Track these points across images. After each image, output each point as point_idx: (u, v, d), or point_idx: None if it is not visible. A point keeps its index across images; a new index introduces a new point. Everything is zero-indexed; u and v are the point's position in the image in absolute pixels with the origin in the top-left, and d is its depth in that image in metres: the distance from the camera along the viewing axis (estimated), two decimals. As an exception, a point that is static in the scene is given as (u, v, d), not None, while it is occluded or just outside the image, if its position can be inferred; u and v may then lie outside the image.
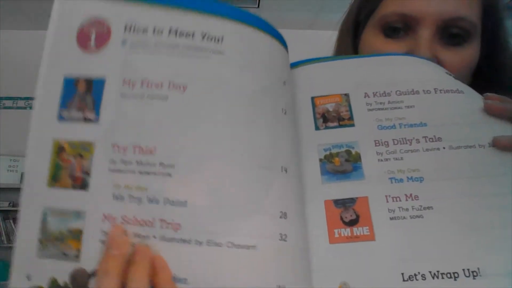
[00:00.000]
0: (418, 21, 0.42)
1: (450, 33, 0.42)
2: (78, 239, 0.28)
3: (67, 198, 0.28)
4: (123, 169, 0.28)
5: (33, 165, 0.30)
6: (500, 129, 0.33)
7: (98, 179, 0.28)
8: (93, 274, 0.27)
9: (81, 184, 0.28)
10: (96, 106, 0.29)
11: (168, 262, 0.27)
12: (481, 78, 0.45)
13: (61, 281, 0.27)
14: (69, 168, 0.29)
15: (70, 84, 0.30)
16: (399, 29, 0.44)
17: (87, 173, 0.29)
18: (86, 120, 0.29)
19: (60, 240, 0.28)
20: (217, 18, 0.31)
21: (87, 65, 0.30)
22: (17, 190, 3.16)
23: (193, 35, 0.30)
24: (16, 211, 3.11)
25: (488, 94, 0.35)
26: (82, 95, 0.30)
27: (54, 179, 0.29)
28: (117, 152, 0.29)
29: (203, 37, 0.30)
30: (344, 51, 0.52)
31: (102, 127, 0.29)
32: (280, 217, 0.30)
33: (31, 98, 3.47)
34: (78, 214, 0.28)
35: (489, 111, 0.33)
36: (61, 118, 0.30)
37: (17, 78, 3.50)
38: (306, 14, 3.38)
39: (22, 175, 3.19)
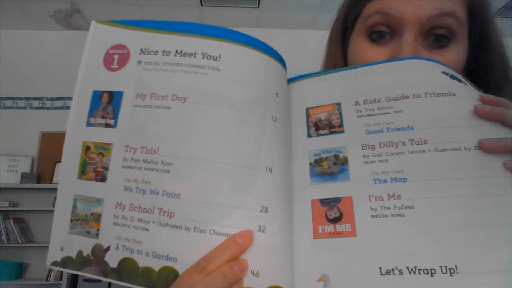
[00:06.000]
0: (402, 21, 0.42)
1: (435, 34, 0.42)
2: (97, 221, 0.35)
3: (91, 188, 0.36)
4: (133, 166, 0.35)
5: (68, 161, 0.37)
6: (487, 132, 0.33)
7: (113, 173, 0.35)
8: (107, 249, 0.34)
9: (101, 177, 0.36)
10: (115, 115, 0.37)
11: (163, 244, 0.33)
12: (472, 78, 0.43)
13: (85, 254, 0.35)
14: (93, 164, 0.36)
15: (96, 97, 0.38)
16: (385, 33, 0.44)
17: (106, 168, 0.36)
18: (107, 125, 0.37)
19: (85, 221, 0.36)
20: (216, 40, 0.36)
21: (110, 81, 0.38)
22: (17, 190, 3.16)
23: (195, 55, 0.36)
24: (16, 211, 3.12)
25: (483, 95, 0.35)
26: (105, 105, 0.37)
27: (82, 172, 0.37)
28: (129, 152, 0.35)
29: (203, 56, 0.36)
30: (334, 56, 0.52)
31: (118, 131, 0.36)
32: (261, 211, 0.33)
33: (31, 98, 3.47)
34: (98, 201, 0.35)
35: (478, 115, 0.34)
36: (89, 124, 0.37)
37: (17, 78, 3.50)
38: (306, 14, 3.38)
39: (22, 175, 3.19)
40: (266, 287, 0.31)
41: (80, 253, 0.36)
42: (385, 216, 0.33)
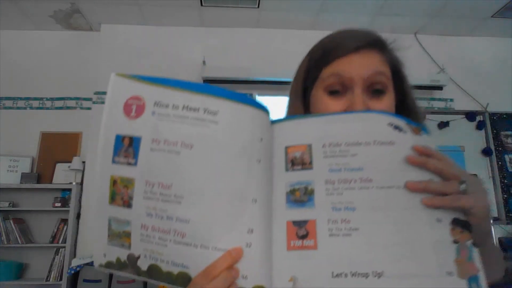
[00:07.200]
0: (351, 80, 0.58)
1: (374, 88, 0.58)
2: (129, 237, 0.46)
3: (120, 212, 0.46)
4: (152, 197, 0.44)
5: (99, 190, 0.47)
6: (414, 175, 0.45)
7: (137, 202, 0.45)
8: (138, 257, 0.46)
9: (128, 204, 0.45)
10: (135, 155, 0.45)
11: (178, 256, 0.44)
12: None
13: (122, 260, 0.46)
14: (120, 194, 0.46)
15: (119, 140, 0.46)
16: (338, 90, 0.59)
17: (131, 197, 0.45)
18: (129, 164, 0.46)
19: (119, 236, 0.46)
20: (215, 98, 0.45)
21: (129, 127, 0.46)
22: (17, 190, 3.16)
23: (198, 110, 0.45)
24: (16, 211, 3.12)
25: (415, 146, 0.46)
26: (126, 147, 0.46)
27: (112, 200, 0.46)
28: (148, 186, 0.45)
29: (205, 111, 0.45)
30: (295, 109, 0.65)
31: (139, 169, 0.45)
32: (247, 232, 0.44)
33: (31, 98, 3.47)
34: (127, 222, 0.46)
35: (408, 162, 0.45)
36: (114, 162, 0.46)
37: (17, 78, 3.50)
38: (306, 14, 3.38)
39: (22, 175, 3.19)
40: (252, 286, 0.43)
41: (118, 259, 0.47)
42: (338, 235, 0.45)
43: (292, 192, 0.47)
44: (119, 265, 0.47)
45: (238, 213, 0.44)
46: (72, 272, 2.73)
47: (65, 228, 3.02)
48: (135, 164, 0.45)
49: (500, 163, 3.39)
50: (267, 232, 0.46)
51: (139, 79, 0.47)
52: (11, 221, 3.00)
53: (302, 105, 0.65)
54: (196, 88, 0.45)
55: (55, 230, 3.03)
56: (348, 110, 0.57)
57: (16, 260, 3.06)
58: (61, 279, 2.87)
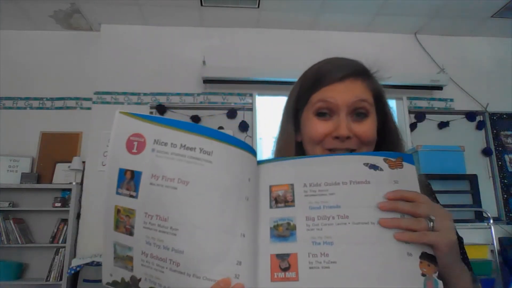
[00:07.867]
0: (336, 105, 0.66)
1: (357, 112, 0.67)
2: (131, 260, 0.50)
3: (123, 238, 0.50)
4: (150, 228, 0.48)
5: (107, 217, 0.51)
6: (386, 214, 0.49)
7: (138, 231, 0.49)
8: (139, 280, 0.50)
9: (129, 232, 0.49)
10: (136, 189, 0.49)
11: (174, 283, 0.48)
12: (382, 138, 0.71)
13: (126, 280, 0.51)
14: (123, 222, 0.50)
15: (122, 173, 0.50)
16: (326, 113, 0.68)
17: (132, 226, 0.49)
18: (131, 196, 0.49)
19: (123, 259, 0.51)
20: (210, 139, 0.49)
21: (131, 162, 0.50)
22: (17, 190, 3.16)
23: (194, 149, 0.49)
24: (16, 211, 3.12)
25: (386, 194, 0.50)
26: (129, 180, 0.49)
27: (116, 227, 0.50)
28: (147, 217, 0.48)
29: (200, 151, 0.49)
30: (287, 130, 0.74)
31: (140, 201, 0.49)
32: (236, 264, 0.48)
33: (31, 98, 3.47)
34: (129, 248, 0.50)
35: (381, 208, 0.50)
36: (117, 193, 0.50)
37: (17, 78, 3.50)
38: (306, 14, 3.38)
39: (22, 175, 3.19)
40: None
41: (122, 279, 0.51)
42: (318, 267, 0.48)
43: (275, 227, 0.52)
44: (124, 284, 0.51)
45: (227, 246, 0.48)
46: (72, 272, 2.73)
47: (65, 228, 3.02)
48: (136, 196, 0.49)
49: (500, 163, 3.39)
50: (253, 265, 0.50)
51: (141, 118, 0.51)
52: (11, 221, 3.00)
53: (293, 125, 0.74)
54: (193, 129, 0.49)
55: (55, 230, 3.03)
56: (334, 131, 0.65)
57: (16, 260, 3.06)
58: (61, 279, 2.87)
